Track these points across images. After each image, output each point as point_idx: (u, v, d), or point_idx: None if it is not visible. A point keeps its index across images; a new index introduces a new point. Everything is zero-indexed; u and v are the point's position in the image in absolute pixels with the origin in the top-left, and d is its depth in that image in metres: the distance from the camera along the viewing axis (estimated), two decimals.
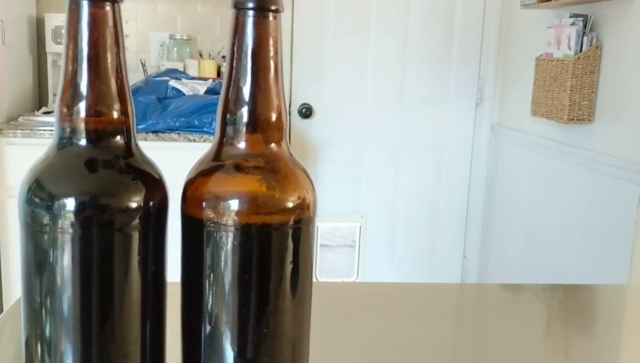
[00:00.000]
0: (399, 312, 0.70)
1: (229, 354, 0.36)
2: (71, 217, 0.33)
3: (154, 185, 0.35)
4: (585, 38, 2.10)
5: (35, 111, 2.21)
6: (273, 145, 0.36)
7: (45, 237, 0.33)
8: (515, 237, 2.68)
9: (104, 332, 0.34)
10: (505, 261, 2.80)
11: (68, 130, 0.35)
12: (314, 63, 2.74)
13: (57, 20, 2.31)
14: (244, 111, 0.35)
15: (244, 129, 0.35)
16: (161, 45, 2.59)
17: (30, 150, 1.96)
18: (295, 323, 0.36)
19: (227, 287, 0.35)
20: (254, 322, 0.35)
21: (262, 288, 0.35)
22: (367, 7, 2.76)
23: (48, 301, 0.34)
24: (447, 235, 2.93)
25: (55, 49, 2.33)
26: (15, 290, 2.02)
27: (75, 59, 0.34)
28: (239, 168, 0.36)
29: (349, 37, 2.78)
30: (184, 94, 2.12)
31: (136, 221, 0.34)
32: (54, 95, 2.41)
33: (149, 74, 2.45)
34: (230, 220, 0.34)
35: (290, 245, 0.35)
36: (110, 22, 0.34)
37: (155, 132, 1.99)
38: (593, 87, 2.10)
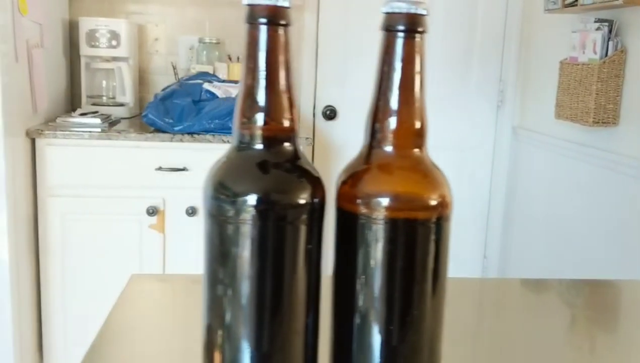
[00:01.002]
0: None
1: (377, 336, 0.41)
2: (251, 210, 0.38)
3: (317, 184, 0.41)
4: (610, 43, 2.15)
5: (72, 112, 2.27)
6: (416, 150, 0.41)
7: (229, 226, 0.39)
8: (536, 238, 2.72)
9: (277, 310, 0.40)
10: (526, 262, 2.84)
11: (247, 135, 0.40)
12: (338, 65, 2.79)
13: (91, 23, 2.36)
14: (392, 119, 0.40)
15: (391, 135, 0.41)
16: (190, 49, 2.65)
17: (68, 151, 2.04)
18: (435, 314, 0.42)
19: (376, 276, 0.40)
20: (399, 305, 0.41)
21: (407, 278, 0.40)
22: None
23: (229, 279, 0.39)
24: (468, 236, 2.98)
25: (89, 52, 2.39)
26: (52, 286, 2.08)
27: (253, 74, 0.39)
28: (388, 169, 0.41)
29: (373, 40, 2.82)
30: (217, 97, 2.17)
31: (304, 216, 0.39)
32: (88, 96, 2.46)
33: (179, 77, 2.51)
34: (380, 214, 0.40)
35: (433, 239, 0.40)
36: (283, 42, 0.39)
37: (191, 133, 2.05)
38: (618, 90, 2.15)
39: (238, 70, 2.57)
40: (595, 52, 2.19)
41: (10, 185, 1.87)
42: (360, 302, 0.41)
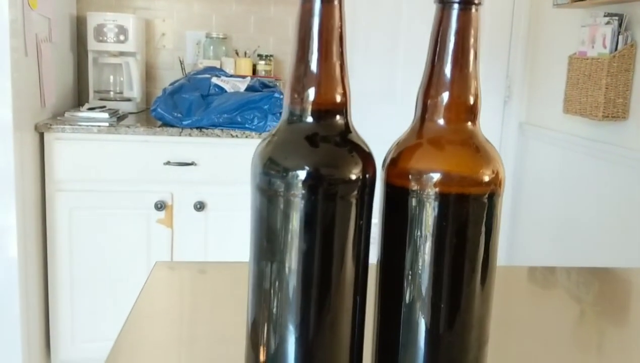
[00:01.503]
0: None
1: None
2: (301, 185, 0.38)
3: (368, 159, 0.40)
4: (620, 37, 2.14)
5: (80, 107, 2.26)
6: (469, 123, 0.40)
7: (279, 201, 0.38)
8: (544, 234, 2.71)
9: (325, 287, 0.39)
10: (533, 258, 2.83)
11: (297, 108, 0.39)
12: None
13: (99, 18, 2.36)
14: (446, 93, 0.40)
15: (444, 109, 0.40)
16: (197, 44, 2.64)
17: (76, 145, 2.03)
18: (484, 293, 0.41)
19: (426, 253, 0.39)
20: (449, 283, 0.40)
21: (458, 255, 0.40)
22: (398, 4, 2.80)
23: (277, 254, 0.38)
24: None
25: (97, 46, 2.38)
26: (60, 280, 2.07)
27: (305, 45, 0.38)
28: (440, 144, 0.40)
29: (379, 34, 2.82)
30: (226, 91, 2.16)
31: (355, 191, 0.39)
32: (95, 91, 2.46)
33: (186, 72, 2.50)
34: (432, 190, 0.39)
35: (485, 215, 0.40)
36: (337, 16, 0.38)
37: (199, 128, 2.04)
38: (628, 84, 2.14)
39: (245, 66, 2.56)
40: (605, 47, 2.18)
41: (18, 180, 1.86)
42: (409, 280, 0.40)
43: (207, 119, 2.04)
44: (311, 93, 0.39)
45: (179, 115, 2.04)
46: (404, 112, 3.01)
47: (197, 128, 2.04)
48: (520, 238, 2.93)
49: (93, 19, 2.36)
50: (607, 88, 2.15)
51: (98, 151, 2.04)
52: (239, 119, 2.06)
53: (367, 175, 0.39)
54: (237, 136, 2.04)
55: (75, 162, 2.03)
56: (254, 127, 2.05)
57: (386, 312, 0.42)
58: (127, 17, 2.39)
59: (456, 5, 0.39)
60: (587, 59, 2.26)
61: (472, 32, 0.39)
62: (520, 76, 2.87)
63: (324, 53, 0.38)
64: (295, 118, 0.40)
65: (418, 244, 0.39)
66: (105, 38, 2.36)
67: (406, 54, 2.80)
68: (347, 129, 0.40)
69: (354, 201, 0.39)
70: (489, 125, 2.91)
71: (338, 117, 0.40)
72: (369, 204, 0.40)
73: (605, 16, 2.21)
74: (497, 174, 0.40)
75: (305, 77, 0.39)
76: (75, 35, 2.50)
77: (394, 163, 0.41)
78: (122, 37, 2.36)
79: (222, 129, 2.05)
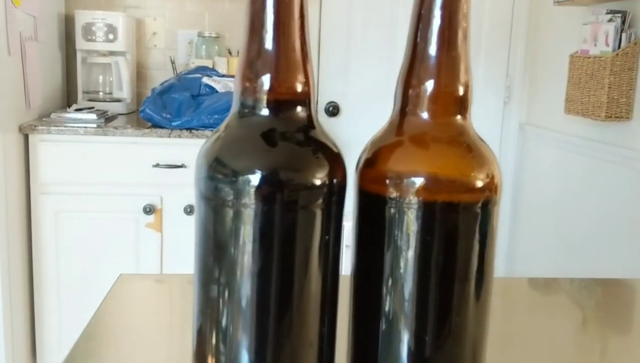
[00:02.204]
0: None
1: (406, 336, 0.33)
2: (254, 192, 0.31)
3: (337, 161, 0.33)
4: (623, 34, 2.07)
5: (67, 108, 2.19)
6: (459, 117, 0.34)
7: (227, 212, 0.31)
8: (545, 236, 2.65)
9: (285, 316, 0.32)
10: (533, 261, 2.76)
11: (250, 98, 0.33)
12: (341, 60, 2.71)
13: (87, 17, 2.29)
14: (430, 81, 0.33)
15: (428, 100, 0.33)
16: (189, 43, 2.57)
17: (62, 147, 1.96)
18: (478, 320, 0.34)
19: (408, 273, 0.33)
20: (436, 310, 0.33)
21: (446, 276, 0.33)
22: (395, 3, 2.73)
23: (226, 277, 0.32)
24: None
25: (86, 46, 2.31)
26: (45, 285, 2.01)
27: (259, 22, 0.32)
28: (423, 142, 0.34)
29: (377, 34, 2.75)
30: (217, 91, 2.10)
31: (320, 199, 0.32)
32: (84, 92, 2.39)
33: (178, 72, 2.43)
34: (414, 198, 0.32)
35: (478, 227, 0.33)
36: None
37: (189, 129, 1.97)
38: (632, 84, 2.07)
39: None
40: (607, 45, 2.12)
41: (1, 182, 1.80)
42: (387, 305, 0.33)
43: (197, 119, 1.98)
44: (266, 80, 0.32)
45: (168, 116, 1.98)
46: None
47: (187, 129, 1.98)
48: (521, 243, 2.86)
49: (81, 18, 2.30)
50: (610, 87, 2.08)
51: (85, 153, 1.97)
52: None
53: (335, 180, 0.33)
54: None
55: (61, 164, 1.97)
56: None
57: (361, 346, 0.35)
58: (116, 16, 2.32)
59: None
60: (589, 58, 2.19)
61: (461, 6, 0.32)
62: (520, 76, 2.80)
63: (281, 32, 0.32)
64: (247, 110, 0.33)
65: (397, 262, 0.33)
66: (94, 37, 2.29)
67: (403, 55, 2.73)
68: (310, 123, 0.34)
69: (318, 211, 0.32)
70: (489, 126, 2.84)
71: (299, 109, 0.33)
72: (338, 214, 0.33)
73: (607, 13, 2.14)
74: (492, 178, 0.33)
75: (259, 61, 0.32)
76: (63, 34, 2.44)
77: (369, 165, 0.34)
78: (111, 36, 2.30)
79: (212, 130, 1.98)
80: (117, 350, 0.55)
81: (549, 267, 2.60)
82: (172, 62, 2.50)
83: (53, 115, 2.05)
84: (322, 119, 2.73)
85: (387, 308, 0.33)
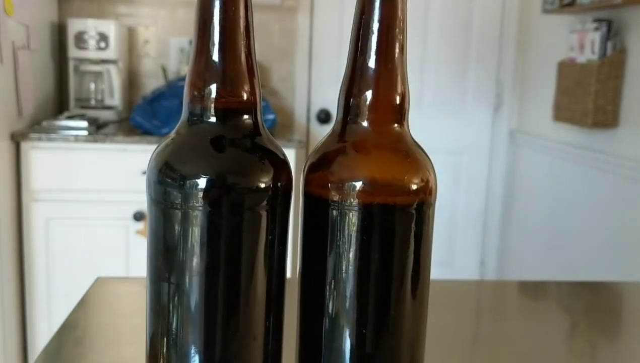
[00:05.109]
0: None
1: (350, 332, 0.35)
2: (202, 195, 0.33)
3: (282, 165, 0.35)
4: (609, 43, 2.10)
5: (58, 116, 2.21)
6: (396, 125, 0.36)
7: (176, 215, 0.33)
8: (535, 243, 2.67)
9: (232, 313, 0.34)
10: (524, 268, 2.78)
11: (198, 107, 0.35)
12: (332, 67, 2.74)
13: (79, 25, 2.31)
14: (369, 91, 0.35)
15: (367, 109, 0.35)
16: (181, 51, 2.59)
17: (53, 154, 1.98)
18: (415, 316, 0.36)
19: (349, 271, 0.35)
20: (375, 305, 0.35)
21: (384, 274, 0.35)
22: None
23: (175, 277, 0.33)
24: (465, 242, 2.92)
25: (78, 54, 2.33)
26: (36, 292, 2.02)
27: (205, 34, 0.34)
28: (364, 149, 0.36)
29: None
30: None
31: (265, 202, 0.34)
32: (76, 100, 2.41)
33: (169, 80, 2.46)
34: (354, 200, 0.34)
35: (413, 227, 0.35)
36: (243, 1, 0.34)
37: None
38: (617, 91, 2.10)
39: None
40: (593, 53, 2.14)
41: None
42: (330, 302, 0.35)
43: None
44: (213, 89, 0.34)
45: (158, 123, 2.00)
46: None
47: None
48: (511, 248, 2.88)
49: (73, 26, 2.32)
50: (596, 95, 2.11)
51: (75, 160, 1.99)
52: None
53: (280, 184, 0.35)
54: None
55: (52, 171, 1.99)
56: None
57: (306, 341, 0.37)
58: (108, 24, 2.34)
59: None
60: (576, 66, 2.22)
61: (397, 21, 0.34)
62: (510, 83, 2.83)
63: (227, 44, 0.34)
64: (196, 118, 0.35)
65: (340, 261, 0.35)
66: (86, 45, 2.31)
67: None
68: (256, 130, 0.36)
69: (264, 213, 0.34)
70: (480, 133, 2.87)
71: (246, 117, 0.35)
72: (283, 216, 0.35)
73: (594, 22, 2.17)
74: (427, 182, 0.35)
75: (206, 71, 0.34)
76: (56, 43, 2.46)
77: (313, 170, 0.36)
78: (102, 45, 2.32)
79: None
80: (83, 352, 0.57)
81: (539, 272, 2.62)
82: (164, 71, 2.52)
83: (45, 123, 2.07)
84: (313, 125, 2.76)
85: (330, 306, 0.35)
